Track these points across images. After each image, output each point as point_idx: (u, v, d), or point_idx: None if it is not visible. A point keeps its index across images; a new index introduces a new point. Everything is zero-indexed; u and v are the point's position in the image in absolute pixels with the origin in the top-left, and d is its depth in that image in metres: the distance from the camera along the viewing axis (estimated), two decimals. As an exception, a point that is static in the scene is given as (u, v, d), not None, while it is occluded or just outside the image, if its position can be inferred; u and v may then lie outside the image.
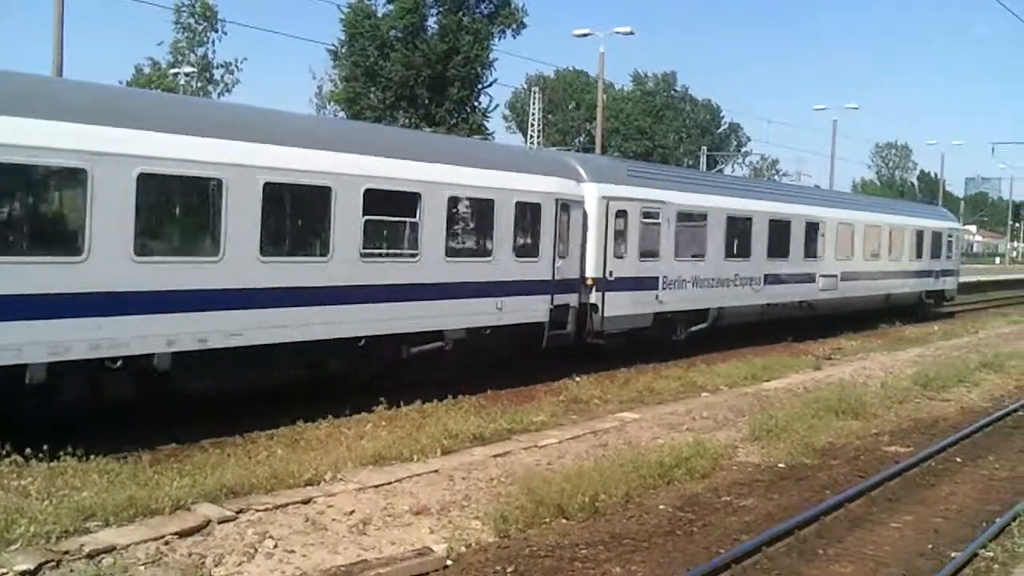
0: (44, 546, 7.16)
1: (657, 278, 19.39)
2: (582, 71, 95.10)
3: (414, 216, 13.91)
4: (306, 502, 8.78)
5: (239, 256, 11.55)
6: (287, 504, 8.65)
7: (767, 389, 16.59)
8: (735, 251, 22.24)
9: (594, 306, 17.67)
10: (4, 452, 9.27)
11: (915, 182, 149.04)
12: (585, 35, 42.30)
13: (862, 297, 28.31)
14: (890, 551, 8.66)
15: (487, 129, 47.81)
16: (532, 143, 79.99)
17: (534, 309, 16.33)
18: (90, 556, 7.11)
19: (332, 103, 50.04)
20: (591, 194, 17.75)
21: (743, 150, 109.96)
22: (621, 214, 18.28)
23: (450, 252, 14.57)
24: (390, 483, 9.59)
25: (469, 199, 15.09)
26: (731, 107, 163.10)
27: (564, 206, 16.86)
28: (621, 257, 18.27)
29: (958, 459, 12.39)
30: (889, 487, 10.79)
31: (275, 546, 7.71)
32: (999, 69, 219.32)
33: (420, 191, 13.94)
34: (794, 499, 10.21)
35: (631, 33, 41.77)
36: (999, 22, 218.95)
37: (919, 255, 31.91)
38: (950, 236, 34.67)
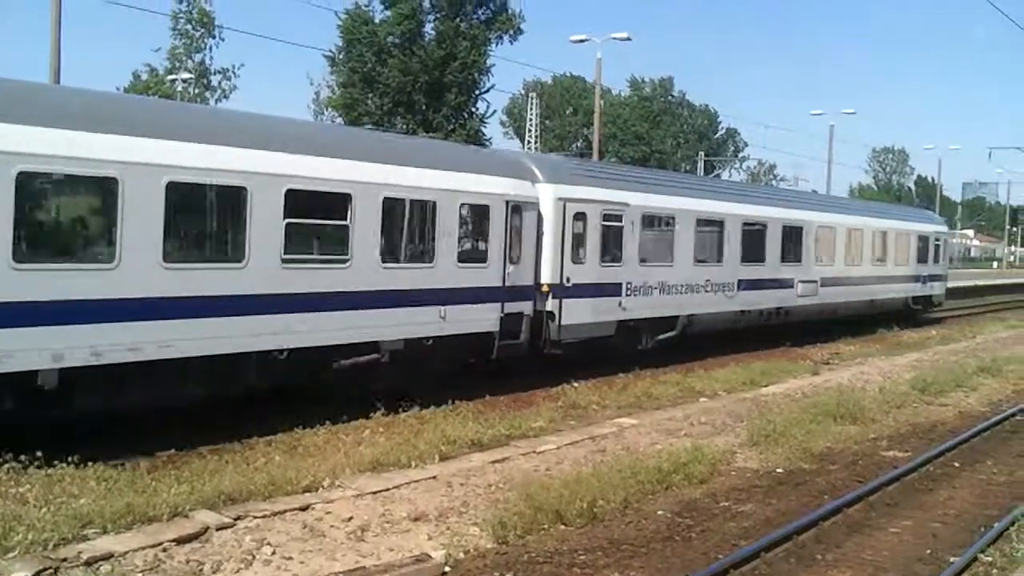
0: (42, 553, 7.16)
1: (620, 284, 18.51)
2: (579, 77, 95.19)
3: (345, 219, 13.00)
4: (304, 509, 8.77)
5: (138, 263, 10.62)
6: (285, 511, 8.64)
7: (765, 394, 16.59)
8: (706, 256, 21.42)
9: (551, 314, 16.78)
10: (1, 459, 9.25)
11: (912, 187, 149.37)
12: (582, 41, 42.42)
13: (844, 303, 27.48)
14: (889, 556, 8.66)
15: (485, 135, 47.84)
16: (530, 149, 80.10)
17: (482, 318, 15.39)
18: (88, 563, 7.10)
19: (330, 109, 50.09)
20: (547, 196, 16.85)
21: (740, 155, 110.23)
22: (580, 217, 17.44)
23: (386, 257, 13.66)
24: (388, 489, 9.59)
25: (407, 200, 14.05)
26: (728, 112, 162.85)
27: (516, 208, 15.96)
28: (580, 262, 17.40)
29: (956, 464, 12.40)
30: (887, 492, 10.78)
31: (273, 553, 7.71)
32: (997, 74, 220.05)
33: (351, 192, 13.02)
34: (792, 504, 10.21)
35: (628, 39, 41.90)
36: (997, 27, 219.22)
37: (904, 259, 31.21)
38: (937, 240, 33.93)
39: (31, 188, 9.93)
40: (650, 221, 19.60)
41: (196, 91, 46.08)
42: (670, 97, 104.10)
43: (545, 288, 16.67)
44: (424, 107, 44.21)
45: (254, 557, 7.59)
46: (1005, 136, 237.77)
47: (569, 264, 17.07)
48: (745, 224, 22.60)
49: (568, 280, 17.03)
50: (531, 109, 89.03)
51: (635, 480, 10.20)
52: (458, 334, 14.94)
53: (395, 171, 13.87)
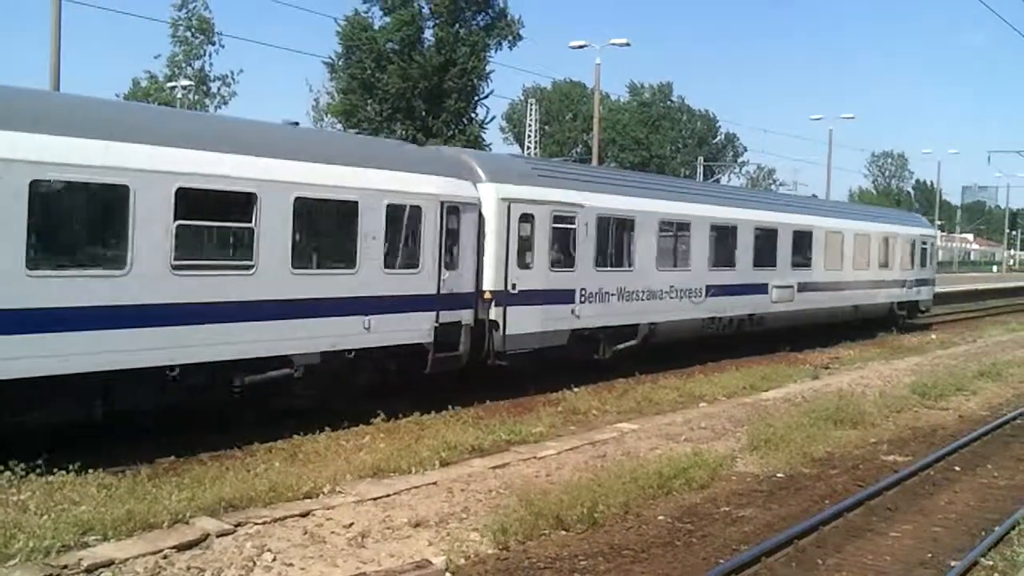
0: (43, 561, 7.17)
1: (573, 290, 17.38)
2: (579, 82, 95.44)
3: (249, 221, 11.82)
4: (305, 515, 8.78)
5: None
6: (286, 517, 8.65)
7: (765, 399, 16.60)
8: (671, 260, 20.32)
9: (495, 323, 15.63)
10: (2, 467, 9.26)
11: (911, 191, 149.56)
12: (581, 47, 42.53)
13: (823, 309, 26.25)
14: (889, 560, 8.66)
15: (484, 140, 47.92)
16: (529, 154, 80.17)
17: (413, 328, 14.20)
18: (89, 571, 7.12)
19: (329, 116, 50.16)
20: (489, 196, 15.70)
21: (740, 160, 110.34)
22: (527, 218, 16.31)
23: (299, 263, 12.48)
24: (389, 495, 9.60)
25: (324, 201, 12.93)
26: (728, 117, 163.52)
27: (454, 210, 14.83)
28: (527, 267, 16.28)
29: (957, 468, 12.39)
30: (888, 496, 10.78)
31: (274, 559, 7.71)
32: (995, 78, 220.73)
33: (256, 191, 11.84)
34: (793, 509, 10.21)
35: (627, 44, 42.00)
36: (995, 31, 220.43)
37: (889, 263, 30.14)
38: (924, 243, 32.77)
39: None
40: (607, 223, 18.38)
41: (195, 98, 46.14)
42: (669, 102, 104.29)
43: (488, 295, 15.61)
44: (424, 113, 44.28)
45: (255, 564, 7.60)
46: (1004, 140, 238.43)
47: (515, 269, 16.02)
48: (714, 227, 21.58)
49: (514, 287, 15.97)
50: (530, 115, 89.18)
51: (635, 485, 10.20)
52: (385, 346, 13.81)
53: (309, 168, 12.71)
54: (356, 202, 13.26)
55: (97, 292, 10.36)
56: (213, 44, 46.19)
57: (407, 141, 34.16)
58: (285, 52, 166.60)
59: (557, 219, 17.03)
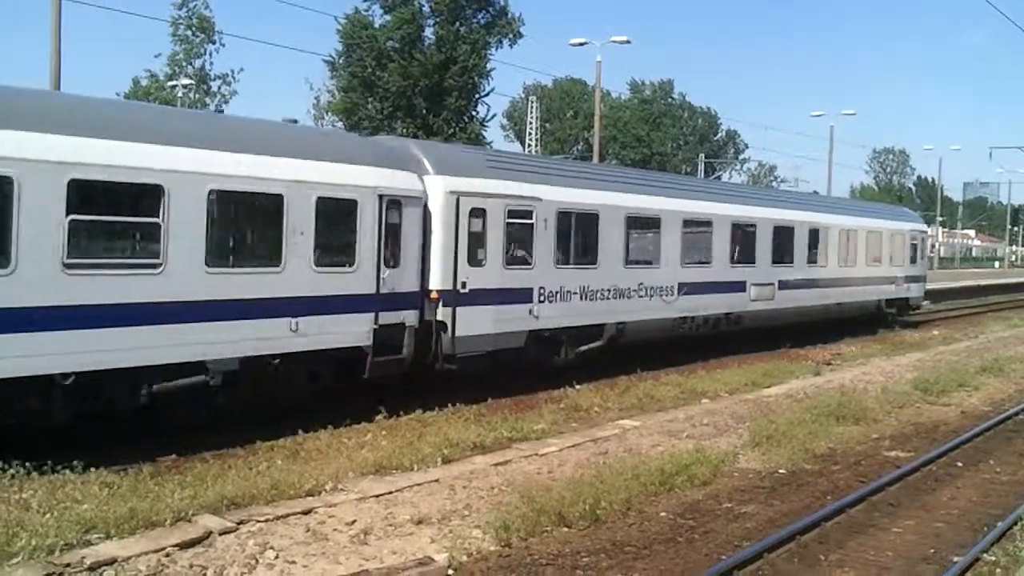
0: (45, 559, 7.18)
1: (531, 289, 16.38)
2: (579, 80, 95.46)
3: (156, 215, 10.93)
4: (307, 512, 8.79)
5: None
6: (288, 515, 8.66)
7: (767, 395, 16.60)
8: (640, 257, 19.32)
9: (443, 324, 14.73)
10: (5, 465, 9.27)
11: (913, 187, 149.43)
12: (582, 44, 42.54)
13: (806, 307, 25.22)
14: (892, 556, 8.66)
15: (485, 138, 47.91)
16: (530, 151, 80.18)
17: (348, 330, 13.27)
18: (91, 569, 7.12)
19: (330, 114, 50.18)
20: (436, 189, 14.77)
21: (741, 157, 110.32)
22: (478, 213, 15.32)
23: (215, 261, 11.58)
24: (391, 493, 9.61)
25: (244, 193, 12.01)
26: (729, 114, 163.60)
27: (395, 203, 13.89)
28: (479, 265, 15.31)
29: (959, 463, 12.39)
30: (890, 492, 10.78)
31: (276, 557, 7.72)
32: (997, 74, 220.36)
33: (163, 183, 10.91)
34: (795, 505, 10.21)
35: (627, 42, 42.04)
36: (997, 28, 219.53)
37: (876, 260, 29.09)
38: (914, 239, 31.74)
39: None
40: (568, 218, 17.31)
41: (196, 96, 46.17)
42: (670, 99, 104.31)
43: (435, 295, 14.67)
44: (424, 111, 44.30)
45: (257, 561, 7.60)
46: (1006, 136, 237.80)
47: (465, 267, 15.04)
48: (687, 222, 20.53)
49: (464, 286, 15.01)
50: (531, 112, 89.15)
51: (637, 482, 10.20)
52: (316, 350, 12.89)
53: (226, 158, 11.76)
54: (281, 195, 12.34)
55: None
56: (213, 43, 46.32)
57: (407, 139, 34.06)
58: (285, 50, 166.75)
59: (512, 214, 16.09)
